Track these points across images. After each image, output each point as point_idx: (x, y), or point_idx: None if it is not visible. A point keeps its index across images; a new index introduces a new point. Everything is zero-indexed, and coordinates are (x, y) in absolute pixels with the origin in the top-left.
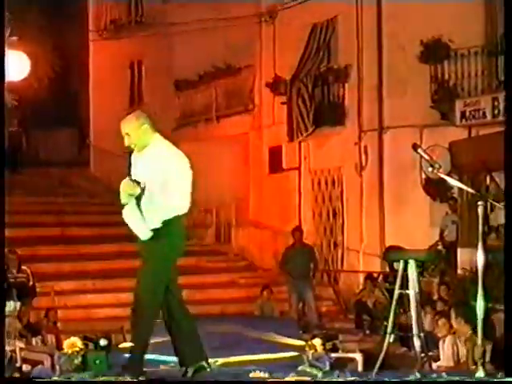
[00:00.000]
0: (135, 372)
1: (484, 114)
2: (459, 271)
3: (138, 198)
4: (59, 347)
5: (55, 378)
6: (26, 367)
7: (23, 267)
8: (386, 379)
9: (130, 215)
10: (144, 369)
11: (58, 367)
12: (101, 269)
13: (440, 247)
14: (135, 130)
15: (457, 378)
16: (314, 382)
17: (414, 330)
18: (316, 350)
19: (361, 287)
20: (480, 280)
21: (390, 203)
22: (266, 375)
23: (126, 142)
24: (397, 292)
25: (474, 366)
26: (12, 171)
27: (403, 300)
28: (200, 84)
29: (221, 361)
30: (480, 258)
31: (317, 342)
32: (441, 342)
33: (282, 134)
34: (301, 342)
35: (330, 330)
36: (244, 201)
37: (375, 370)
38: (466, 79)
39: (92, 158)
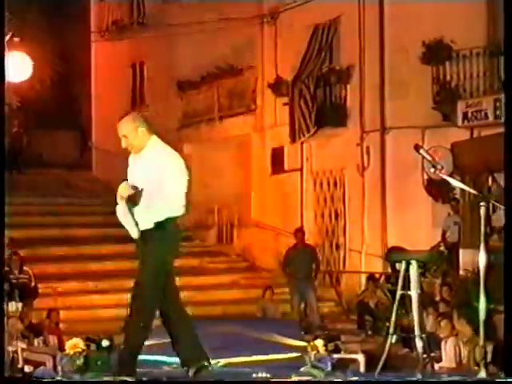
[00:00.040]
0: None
1: (486, 114)
2: (461, 272)
3: (135, 200)
4: (61, 348)
5: (58, 378)
6: (28, 368)
7: (25, 268)
8: (388, 380)
9: (119, 215)
10: (147, 370)
11: (59, 368)
12: (103, 269)
13: (442, 248)
14: (132, 132)
15: (457, 378)
16: (317, 383)
17: (416, 331)
18: (318, 351)
19: (363, 288)
20: (482, 281)
21: (392, 204)
22: (268, 376)
23: (123, 144)
24: (399, 293)
25: (476, 367)
26: (15, 172)
27: (405, 301)
28: (202, 85)
29: (223, 362)
30: (482, 259)
31: (319, 342)
32: (443, 343)
33: (284, 134)
34: (303, 343)
35: (332, 331)
36: (246, 202)
37: (377, 370)
38: (467, 80)
39: (94, 160)
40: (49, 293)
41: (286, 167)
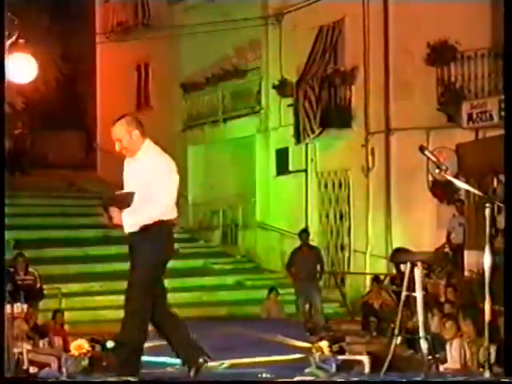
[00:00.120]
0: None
1: (491, 116)
2: (466, 273)
3: (129, 204)
4: (66, 349)
5: (63, 379)
6: (33, 369)
7: (30, 269)
8: (393, 380)
9: None
10: (150, 371)
11: (64, 369)
12: (108, 271)
13: (447, 249)
14: (126, 136)
15: (462, 379)
16: (321, 383)
17: (421, 333)
18: (323, 352)
19: (367, 289)
20: (487, 282)
21: (397, 205)
22: (273, 377)
23: (117, 148)
24: (404, 294)
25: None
26: (18, 174)
27: (410, 302)
28: (207, 86)
29: (227, 362)
30: (487, 260)
31: (324, 344)
32: (448, 345)
33: (288, 136)
34: (307, 344)
35: (336, 332)
36: (251, 203)
37: (382, 372)
38: (472, 81)
39: (99, 160)
40: (54, 294)
41: (290, 168)
